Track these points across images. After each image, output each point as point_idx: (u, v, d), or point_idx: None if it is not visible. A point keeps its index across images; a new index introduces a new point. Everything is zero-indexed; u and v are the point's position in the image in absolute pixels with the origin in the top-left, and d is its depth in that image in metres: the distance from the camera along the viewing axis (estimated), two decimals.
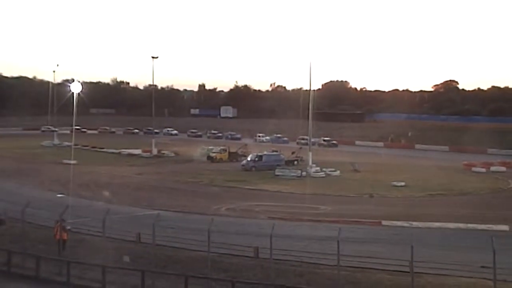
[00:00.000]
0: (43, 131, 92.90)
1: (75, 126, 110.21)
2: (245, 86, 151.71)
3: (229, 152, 69.43)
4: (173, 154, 74.36)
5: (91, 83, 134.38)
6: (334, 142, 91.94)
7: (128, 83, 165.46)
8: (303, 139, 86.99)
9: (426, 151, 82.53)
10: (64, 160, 61.49)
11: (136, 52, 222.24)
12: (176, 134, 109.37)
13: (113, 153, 76.59)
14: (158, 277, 20.67)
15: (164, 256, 23.24)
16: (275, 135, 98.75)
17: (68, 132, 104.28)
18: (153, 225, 21.76)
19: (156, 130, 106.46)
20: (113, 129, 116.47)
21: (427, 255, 21.14)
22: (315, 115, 62.23)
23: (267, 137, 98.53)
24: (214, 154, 68.92)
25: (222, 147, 72.05)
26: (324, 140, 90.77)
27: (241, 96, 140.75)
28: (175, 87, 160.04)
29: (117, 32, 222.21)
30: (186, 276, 19.86)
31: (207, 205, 38.40)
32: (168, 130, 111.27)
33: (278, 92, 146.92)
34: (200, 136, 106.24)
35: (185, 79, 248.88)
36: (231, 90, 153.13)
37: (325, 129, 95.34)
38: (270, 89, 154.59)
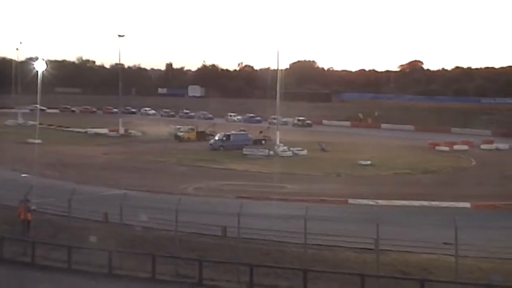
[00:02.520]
0: (31, 109, 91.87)
1: (66, 105, 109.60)
2: (213, 65, 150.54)
3: (197, 132, 69.14)
4: (140, 134, 73.69)
5: (56, 61, 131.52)
6: (309, 122, 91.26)
7: (94, 62, 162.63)
8: (275, 118, 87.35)
9: (392, 130, 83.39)
10: (28, 139, 60.39)
11: (102, 30, 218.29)
12: (154, 114, 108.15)
13: (79, 132, 75.48)
14: (125, 257, 20.55)
15: (132, 235, 23.09)
16: (247, 114, 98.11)
17: (58, 111, 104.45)
18: (121, 205, 21.55)
19: (133, 110, 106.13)
20: (94, 109, 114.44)
21: (392, 232, 21.46)
22: (283, 95, 62.25)
23: (239, 117, 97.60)
24: (181, 134, 68.53)
25: (190, 127, 71.67)
26: (298, 120, 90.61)
27: (209, 76, 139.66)
28: (142, 66, 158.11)
29: (83, 9, 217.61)
30: (154, 256, 19.80)
31: (175, 184, 38.23)
32: (145, 110, 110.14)
33: (246, 72, 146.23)
34: (173, 115, 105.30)
35: (152, 58, 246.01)
36: (198, 69, 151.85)
37: (293, 108, 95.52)
38: (238, 68, 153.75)
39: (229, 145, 58.92)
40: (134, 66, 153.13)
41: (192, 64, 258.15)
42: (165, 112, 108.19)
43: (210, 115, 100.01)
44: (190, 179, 40.94)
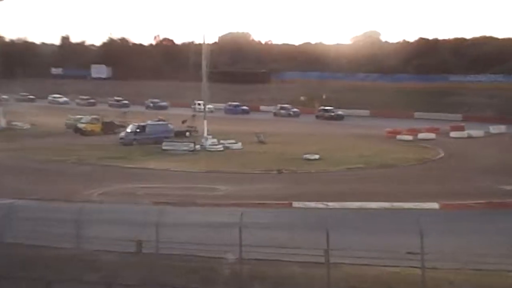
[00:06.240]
0: None
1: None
2: (122, 39, 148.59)
3: (103, 123, 68.20)
4: (29, 126, 71.96)
5: None
6: (296, 110, 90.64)
7: None
8: (199, 104, 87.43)
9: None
10: None
11: None
12: (66, 102, 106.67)
13: None
14: (12, 284, 19.98)
15: (22, 256, 22.48)
16: (230, 102, 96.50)
17: None
18: (5, 218, 20.94)
19: (30, 96, 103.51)
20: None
21: (345, 241, 21.73)
22: (211, 75, 62.20)
23: (210, 106, 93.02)
24: (83, 125, 67.38)
25: (93, 116, 70.55)
26: (282, 108, 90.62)
27: (117, 52, 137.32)
28: (30, 39, 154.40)
29: None
30: (48, 281, 19.36)
31: (76, 189, 37.57)
32: (54, 97, 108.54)
33: (165, 47, 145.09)
34: (93, 104, 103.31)
35: (43, 30, 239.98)
36: (104, 44, 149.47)
37: (226, 91, 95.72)
38: (154, 43, 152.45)
39: (144, 139, 58.49)
40: (19, 39, 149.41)
41: (95, 37, 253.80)
42: (83, 99, 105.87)
43: (164, 103, 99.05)
44: (95, 182, 40.33)
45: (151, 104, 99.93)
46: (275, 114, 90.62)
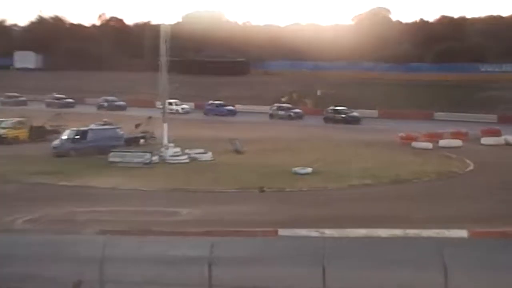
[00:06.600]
0: None
1: None
2: (56, 18, 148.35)
3: (31, 127, 67.77)
4: None
5: None
6: (298, 111, 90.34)
7: None
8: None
9: None
10: None
11: None
12: None
13: None
14: None
15: None
16: (210, 101, 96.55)
17: None
18: None
19: None
20: None
21: (346, 279, 21.72)
22: (172, 65, 61.85)
23: (185, 106, 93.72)
24: (3, 131, 66.83)
25: (18, 119, 70.02)
26: (280, 108, 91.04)
27: (50, 35, 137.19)
28: None
29: None
30: None
31: None
32: None
33: (113, 28, 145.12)
34: (24, 103, 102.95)
35: None
36: (31, 24, 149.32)
37: (193, 86, 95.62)
38: (98, 23, 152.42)
39: (85, 148, 58.10)
40: None
41: (19, 16, 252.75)
42: (9, 97, 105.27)
43: (122, 103, 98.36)
44: (21, 205, 39.91)
45: (105, 104, 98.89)
46: (271, 115, 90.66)
